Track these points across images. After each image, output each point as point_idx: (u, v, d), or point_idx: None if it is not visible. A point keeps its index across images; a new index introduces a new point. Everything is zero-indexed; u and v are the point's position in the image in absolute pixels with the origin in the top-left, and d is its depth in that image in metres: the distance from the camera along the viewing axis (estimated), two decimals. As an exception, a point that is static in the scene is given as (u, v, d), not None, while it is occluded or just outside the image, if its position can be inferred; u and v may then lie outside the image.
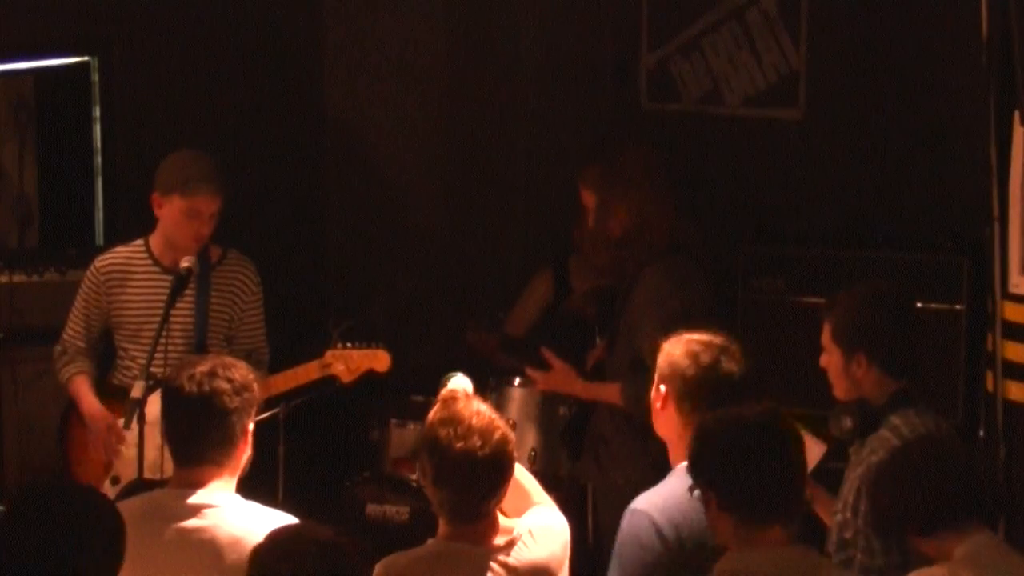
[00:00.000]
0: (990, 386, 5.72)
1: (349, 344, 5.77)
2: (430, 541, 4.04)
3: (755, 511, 3.77)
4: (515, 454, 4.04)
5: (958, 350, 6.09)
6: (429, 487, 3.99)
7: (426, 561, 3.98)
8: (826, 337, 4.59)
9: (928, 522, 3.88)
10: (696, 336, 4.44)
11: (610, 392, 5.59)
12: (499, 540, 4.02)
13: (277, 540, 3.58)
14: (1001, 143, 5.62)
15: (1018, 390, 5.61)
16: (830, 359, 4.57)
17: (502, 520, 4.06)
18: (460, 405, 4.02)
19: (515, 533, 4.05)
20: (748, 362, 4.41)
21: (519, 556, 4.02)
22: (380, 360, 5.79)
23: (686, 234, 5.63)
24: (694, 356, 4.37)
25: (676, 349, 4.42)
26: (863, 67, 6.69)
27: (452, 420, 3.96)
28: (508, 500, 4.06)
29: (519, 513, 4.19)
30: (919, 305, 5.95)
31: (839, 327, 4.57)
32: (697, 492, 3.90)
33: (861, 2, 6.70)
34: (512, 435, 4.03)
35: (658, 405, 4.45)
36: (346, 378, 5.78)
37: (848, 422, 4.54)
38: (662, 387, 4.43)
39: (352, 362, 5.76)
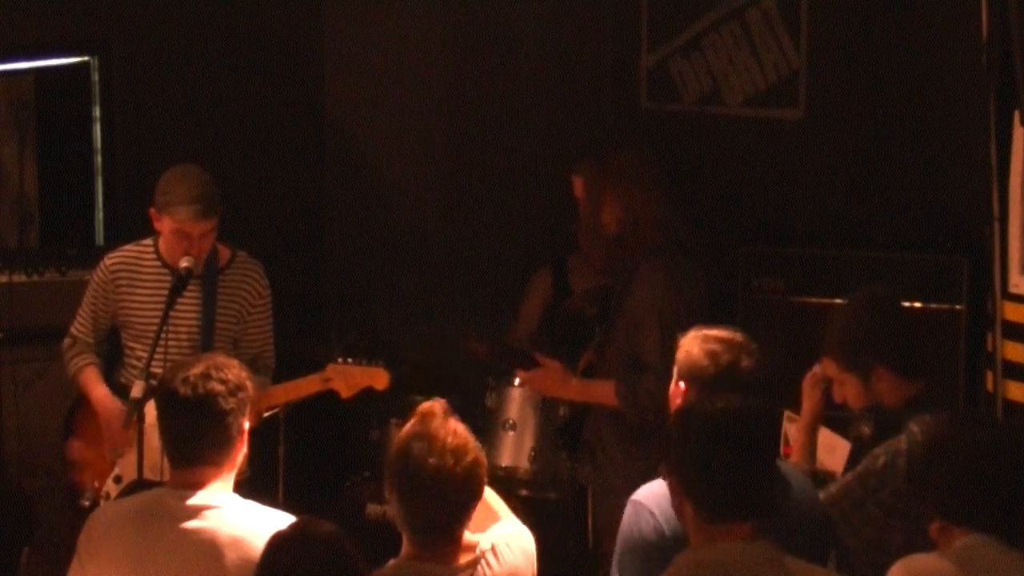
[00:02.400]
0: (990, 386, 5.73)
1: (350, 359, 5.76)
2: (392, 562, 3.99)
3: (715, 503, 3.76)
4: (485, 479, 3.99)
5: (958, 350, 6.09)
6: (394, 502, 3.95)
7: None
8: (833, 372, 4.63)
9: (953, 504, 3.87)
10: (716, 333, 4.47)
11: (604, 391, 5.56)
12: (463, 560, 3.98)
13: (283, 537, 3.62)
14: (1001, 143, 5.63)
15: (1018, 390, 5.61)
16: (848, 385, 4.60)
17: (466, 536, 4.00)
18: (437, 423, 3.97)
19: (478, 551, 4.00)
20: (762, 359, 4.45)
21: (487, 560, 4.00)
22: (378, 378, 5.78)
23: (680, 230, 5.62)
24: (714, 354, 4.41)
25: (695, 347, 4.45)
26: (863, 67, 6.69)
27: (427, 436, 3.93)
28: (473, 518, 4.01)
29: (483, 529, 4.13)
30: (919, 305, 5.99)
31: (847, 351, 4.59)
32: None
33: (861, 2, 6.70)
34: (484, 459, 3.99)
35: (678, 400, 4.47)
36: (345, 394, 5.78)
37: (865, 429, 4.58)
38: (681, 383, 4.46)
39: (351, 378, 5.76)
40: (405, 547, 3.99)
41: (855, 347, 4.57)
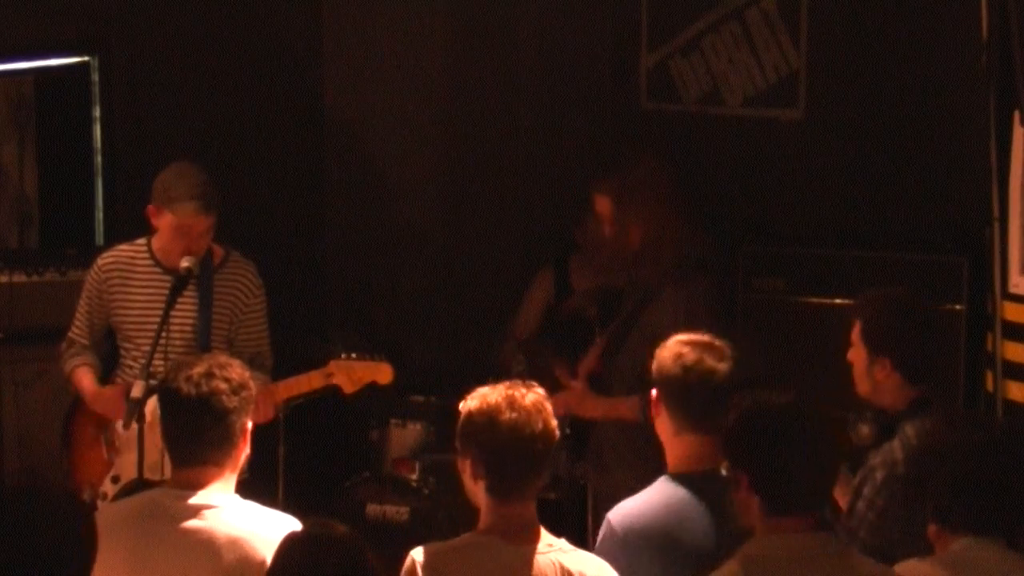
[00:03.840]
0: (990, 386, 5.73)
1: (353, 355, 5.76)
2: (466, 534, 4.07)
3: (783, 495, 3.84)
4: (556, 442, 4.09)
5: (958, 350, 6.09)
6: (473, 460, 4.00)
7: (462, 551, 4.00)
8: (855, 334, 4.63)
9: (952, 510, 3.87)
10: (687, 337, 4.50)
11: (627, 408, 5.58)
12: (538, 545, 4.02)
13: (296, 539, 3.63)
14: (1001, 143, 5.62)
15: (1018, 390, 5.61)
16: (856, 356, 4.62)
17: (544, 535, 4.06)
18: (514, 389, 4.07)
19: (551, 541, 4.05)
20: (738, 361, 4.45)
21: (557, 558, 4.01)
22: (383, 373, 5.79)
23: (701, 246, 5.63)
24: (679, 357, 4.43)
25: (664, 352, 4.48)
26: (863, 67, 6.69)
27: (505, 396, 4.02)
28: None
29: None
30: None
31: (867, 329, 4.59)
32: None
33: (861, 2, 6.70)
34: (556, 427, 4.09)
35: (658, 408, 4.48)
36: (348, 389, 5.78)
37: (865, 430, 4.58)
38: (653, 391, 4.47)
39: (355, 373, 5.76)
40: (481, 521, 4.05)
41: (874, 342, 4.57)
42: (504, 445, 3.98)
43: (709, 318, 5.39)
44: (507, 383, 4.08)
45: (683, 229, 5.59)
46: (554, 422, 4.05)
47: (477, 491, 4.06)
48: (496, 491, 4.02)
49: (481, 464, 4.01)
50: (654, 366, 4.49)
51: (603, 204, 5.72)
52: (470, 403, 4.05)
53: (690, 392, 4.36)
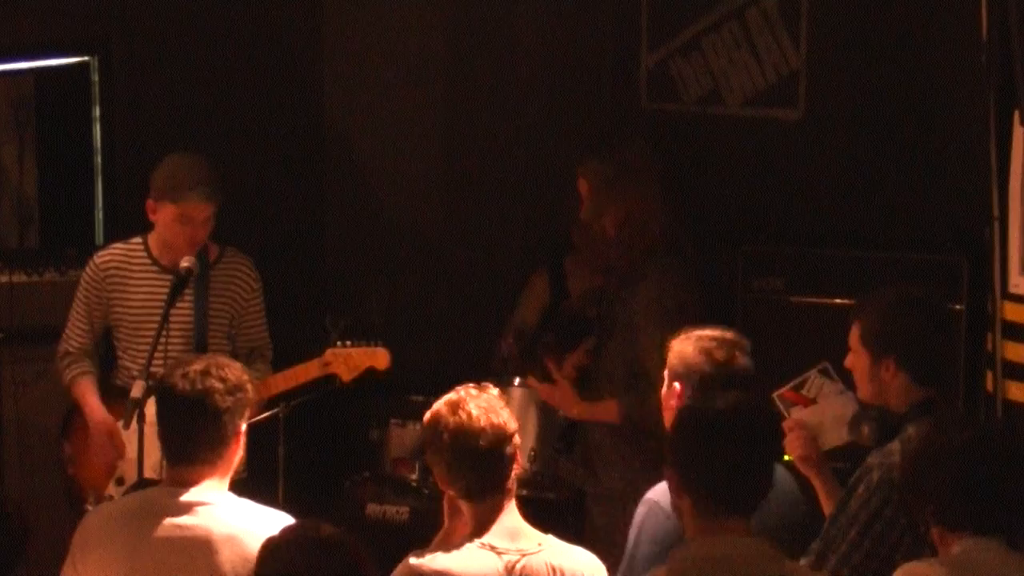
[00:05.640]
0: (990, 386, 5.72)
1: (349, 343, 5.77)
2: (456, 541, 4.07)
3: (712, 498, 3.79)
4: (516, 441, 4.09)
5: (958, 350, 6.09)
6: (445, 467, 4.03)
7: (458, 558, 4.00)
8: (854, 338, 4.53)
9: (950, 511, 3.87)
10: (708, 332, 4.50)
11: (607, 411, 5.58)
12: (526, 543, 4.02)
13: (284, 538, 3.60)
14: (1001, 143, 5.62)
15: (1018, 390, 5.61)
16: (856, 361, 4.53)
17: (532, 532, 4.07)
18: (466, 395, 4.10)
19: (540, 540, 4.05)
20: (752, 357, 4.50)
21: (547, 558, 4.00)
22: (380, 358, 5.80)
23: (677, 234, 5.64)
24: (708, 353, 4.43)
25: (689, 346, 4.47)
26: (863, 67, 6.69)
27: (458, 402, 4.07)
28: None
29: None
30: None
31: (870, 330, 4.50)
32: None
33: (861, 2, 6.71)
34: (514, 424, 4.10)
35: (672, 403, 4.46)
36: (346, 377, 5.79)
37: (866, 429, 4.55)
38: (676, 384, 4.45)
39: (352, 361, 5.77)
40: (468, 526, 4.06)
41: (879, 341, 4.51)
42: (465, 456, 4.00)
43: (686, 297, 5.41)
44: (457, 389, 4.10)
45: (662, 215, 5.59)
46: (507, 419, 4.05)
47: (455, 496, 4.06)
48: (471, 493, 4.03)
49: (454, 464, 4.02)
50: (677, 360, 4.48)
51: (585, 183, 5.71)
52: (436, 408, 4.08)
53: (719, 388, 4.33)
